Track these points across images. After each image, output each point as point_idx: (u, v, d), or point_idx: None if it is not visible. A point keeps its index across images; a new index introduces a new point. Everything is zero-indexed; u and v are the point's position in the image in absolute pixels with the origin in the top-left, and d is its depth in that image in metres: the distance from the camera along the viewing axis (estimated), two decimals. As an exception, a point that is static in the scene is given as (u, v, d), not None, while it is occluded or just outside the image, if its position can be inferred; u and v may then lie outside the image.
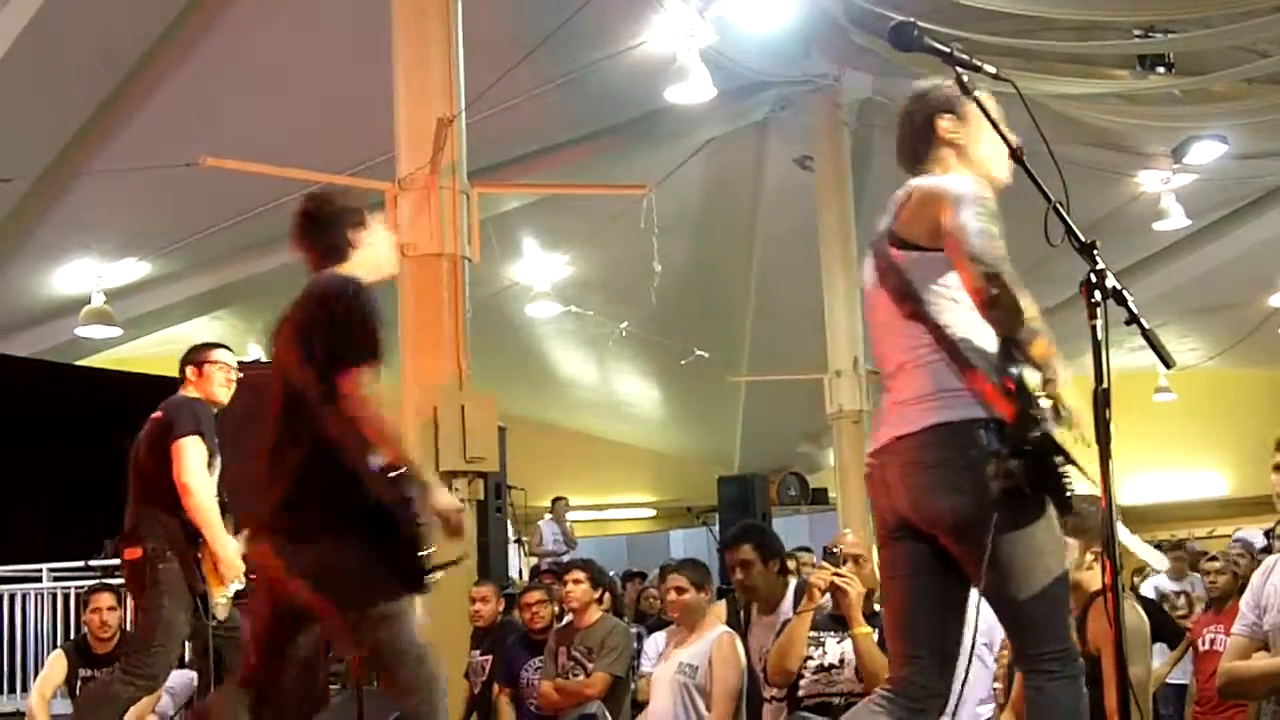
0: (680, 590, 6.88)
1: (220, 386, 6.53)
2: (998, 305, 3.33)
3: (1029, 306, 3.36)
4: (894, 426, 3.65)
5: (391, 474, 4.28)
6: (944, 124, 3.82)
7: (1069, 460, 3.35)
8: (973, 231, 3.38)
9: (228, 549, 6.26)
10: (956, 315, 3.55)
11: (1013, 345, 3.37)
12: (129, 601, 7.70)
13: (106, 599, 7.97)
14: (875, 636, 5.68)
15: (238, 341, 17.82)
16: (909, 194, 3.70)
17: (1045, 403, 3.31)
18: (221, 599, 6.44)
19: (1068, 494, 3.37)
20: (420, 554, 4.31)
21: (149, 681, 6.10)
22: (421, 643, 4.38)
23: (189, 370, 6.49)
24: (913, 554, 3.66)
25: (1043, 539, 3.48)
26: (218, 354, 6.61)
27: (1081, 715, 3.54)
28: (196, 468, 6.13)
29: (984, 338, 3.50)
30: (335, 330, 4.26)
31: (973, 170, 3.78)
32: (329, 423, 4.22)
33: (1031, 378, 3.32)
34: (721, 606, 7.26)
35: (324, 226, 4.74)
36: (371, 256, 4.70)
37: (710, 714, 6.63)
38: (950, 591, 3.67)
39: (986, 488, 3.34)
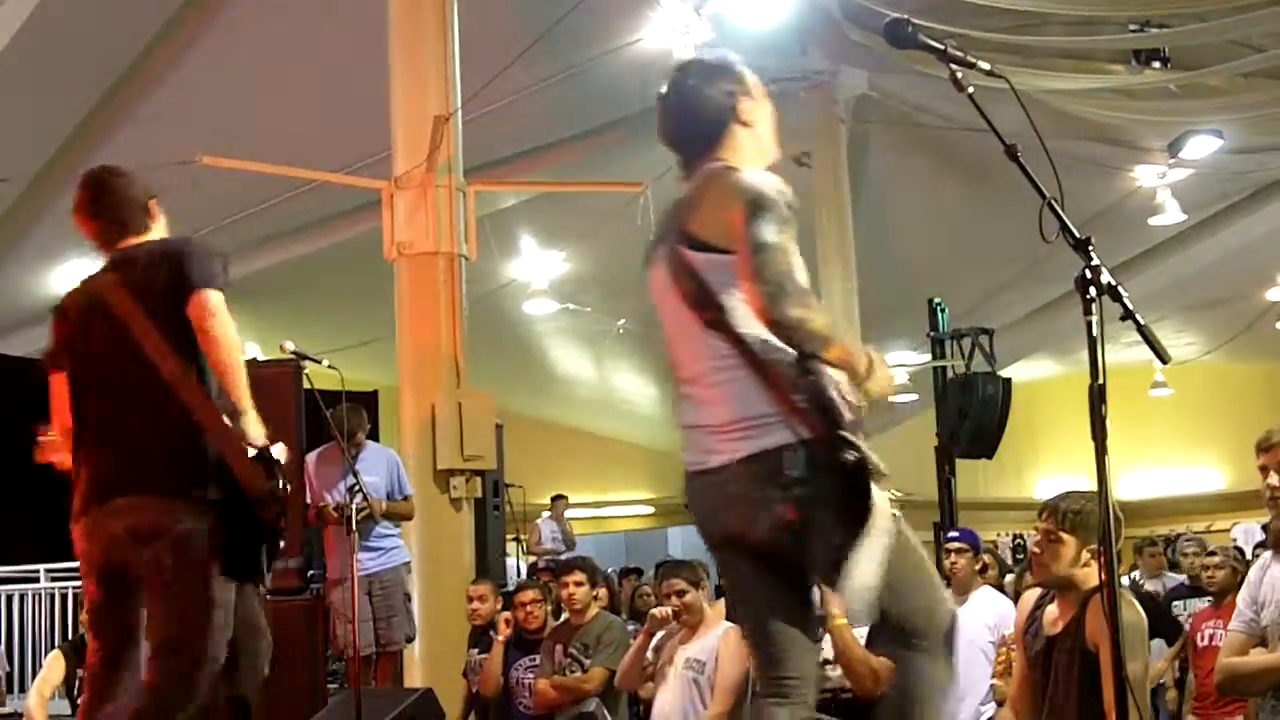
0: (681, 592, 6.91)
1: None
2: (785, 325, 3.25)
3: (818, 313, 3.27)
4: (704, 455, 3.53)
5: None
6: (745, 104, 3.68)
7: (877, 477, 3.32)
8: (762, 245, 3.27)
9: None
10: (759, 324, 3.36)
11: (810, 359, 3.31)
12: None
13: None
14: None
15: (235, 340, 17.84)
16: (702, 187, 3.57)
17: (850, 415, 3.31)
18: None
19: (868, 515, 3.30)
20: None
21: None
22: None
23: None
24: (741, 561, 3.62)
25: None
26: None
27: None
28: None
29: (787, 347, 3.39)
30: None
31: (760, 154, 3.68)
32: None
33: (835, 392, 3.31)
34: (722, 605, 7.27)
35: (118, 201, 4.60)
36: None
37: (711, 705, 6.65)
38: (785, 590, 3.62)
39: (794, 513, 3.30)
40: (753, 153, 3.66)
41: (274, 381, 8.97)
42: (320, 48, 12.36)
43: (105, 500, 4.25)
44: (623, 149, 15.46)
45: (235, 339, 4.25)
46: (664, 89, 3.73)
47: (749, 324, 3.36)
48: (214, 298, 4.24)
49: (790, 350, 3.32)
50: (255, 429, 4.25)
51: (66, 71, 11.94)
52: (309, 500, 8.71)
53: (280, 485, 4.24)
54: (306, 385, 8.60)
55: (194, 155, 10.00)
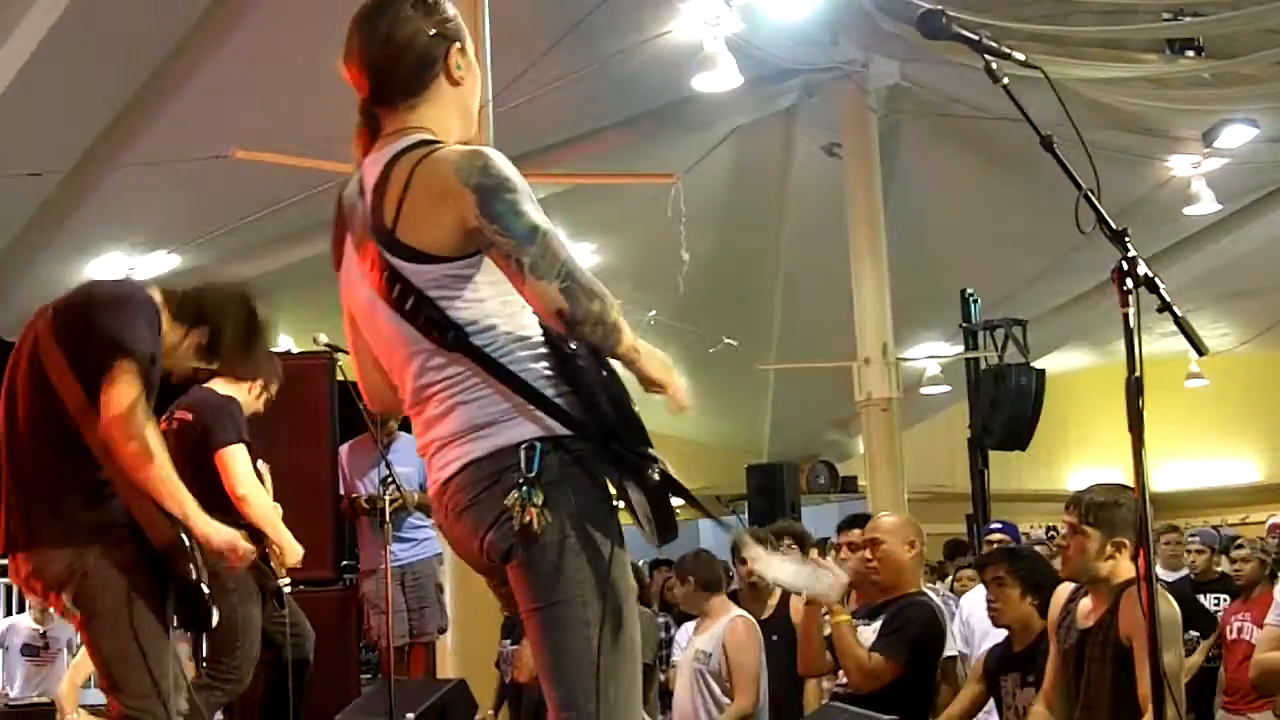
0: (671, 586, 7.02)
1: (263, 406, 6.53)
2: (584, 323, 2.78)
3: (611, 303, 2.82)
4: (439, 473, 3.01)
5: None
6: (458, 57, 3.06)
7: (679, 494, 2.94)
8: (527, 235, 2.79)
9: (288, 540, 6.29)
10: (495, 331, 2.92)
11: (600, 354, 2.92)
12: None
13: None
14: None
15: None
16: (399, 176, 2.91)
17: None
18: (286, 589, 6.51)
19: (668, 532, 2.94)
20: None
21: (236, 685, 6.12)
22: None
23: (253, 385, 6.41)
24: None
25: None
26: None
27: None
28: (246, 474, 6.09)
29: (529, 344, 2.95)
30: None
31: (464, 127, 3.12)
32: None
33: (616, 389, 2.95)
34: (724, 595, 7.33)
35: None
36: None
37: (731, 701, 6.66)
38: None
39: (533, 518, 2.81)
40: (456, 122, 3.10)
41: (307, 373, 9.03)
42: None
43: (11, 552, 4.27)
44: (654, 140, 15.46)
45: (132, 420, 4.03)
46: (363, 8, 3.05)
47: (487, 335, 2.91)
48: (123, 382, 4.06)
49: (536, 352, 2.95)
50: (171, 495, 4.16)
51: (100, 66, 11.99)
52: (341, 491, 8.76)
53: (179, 536, 4.18)
54: (340, 377, 8.64)
55: (228, 149, 10.04)
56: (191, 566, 4.20)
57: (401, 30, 2.97)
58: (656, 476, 2.90)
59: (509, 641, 8.61)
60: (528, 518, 2.79)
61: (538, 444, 2.86)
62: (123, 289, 4.29)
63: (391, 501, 7.93)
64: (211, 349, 4.58)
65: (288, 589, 6.55)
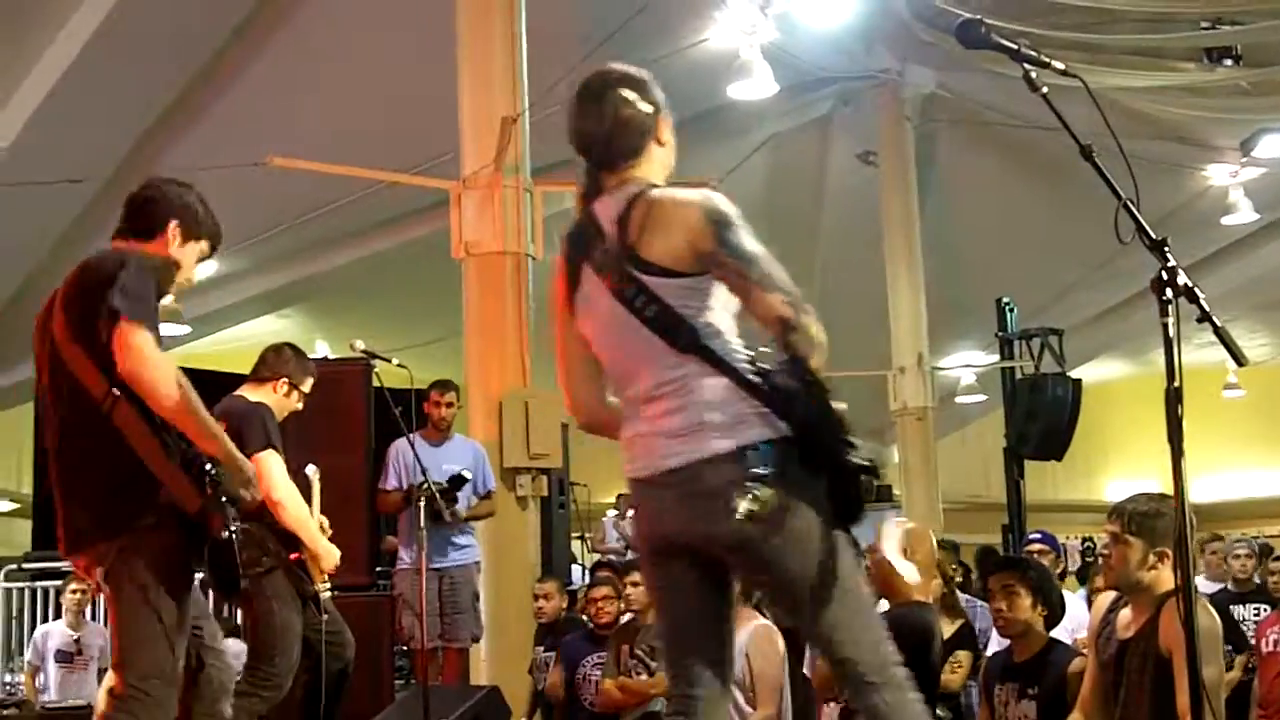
0: None
1: (297, 403, 6.52)
2: (799, 331, 3.33)
3: (815, 320, 3.37)
4: (660, 459, 3.46)
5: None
6: (664, 123, 3.71)
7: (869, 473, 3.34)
8: (762, 258, 3.38)
9: (324, 545, 6.29)
10: (726, 340, 3.45)
11: (802, 365, 3.36)
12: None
13: None
14: None
15: (305, 339, 17.92)
16: (640, 209, 3.50)
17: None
18: (326, 592, 6.50)
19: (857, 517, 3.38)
20: None
21: (275, 691, 6.10)
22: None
23: (277, 384, 6.40)
24: (682, 569, 3.56)
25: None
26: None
27: None
28: (282, 479, 6.08)
29: (743, 353, 3.46)
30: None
31: (665, 170, 3.71)
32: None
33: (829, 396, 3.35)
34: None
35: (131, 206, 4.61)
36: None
37: (755, 710, 6.63)
38: (715, 606, 3.61)
39: (764, 511, 3.27)
40: (660, 169, 3.69)
41: (344, 379, 9.05)
42: (389, 49, 12.43)
43: (69, 552, 4.36)
44: (689, 148, 15.35)
45: (157, 373, 4.07)
46: (585, 91, 3.66)
47: (717, 340, 3.43)
48: (131, 334, 4.08)
49: (768, 361, 3.42)
50: (211, 444, 4.20)
51: (140, 74, 12.08)
52: (384, 486, 8.73)
53: (215, 496, 4.20)
54: (376, 383, 8.66)
55: (265, 156, 10.09)
56: (224, 525, 4.22)
57: (625, 110, 3.62)
58: (860, 462, 3.32)
59: (543, 648, 8.62)
60: (769, 508, 3.25)
61: (768, 443, 3.32)
62: (105, 264, 4.29)
63: (430, 503, 7.92)
64: (191, 234, 4.63)
65: (327, 594, 6.55)
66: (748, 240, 3.39)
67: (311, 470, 6.87)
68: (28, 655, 10.70)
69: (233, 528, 4.24)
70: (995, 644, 6.49)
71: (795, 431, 3.34)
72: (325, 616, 6.32)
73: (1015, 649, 5.74)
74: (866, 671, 3.40)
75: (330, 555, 6.29)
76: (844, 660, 3.42)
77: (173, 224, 4.56)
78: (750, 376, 3.39)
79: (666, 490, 3.45)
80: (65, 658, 10.49)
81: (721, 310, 3.46)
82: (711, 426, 3.37)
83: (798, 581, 3.37)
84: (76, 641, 10.46)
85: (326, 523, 6.96)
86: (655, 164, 3.68)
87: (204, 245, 4.68)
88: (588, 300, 3.61)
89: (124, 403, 4.13)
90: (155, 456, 4.16)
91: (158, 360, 4.07)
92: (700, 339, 3.41)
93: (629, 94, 3.65)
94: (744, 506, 3.24)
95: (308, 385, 6.55)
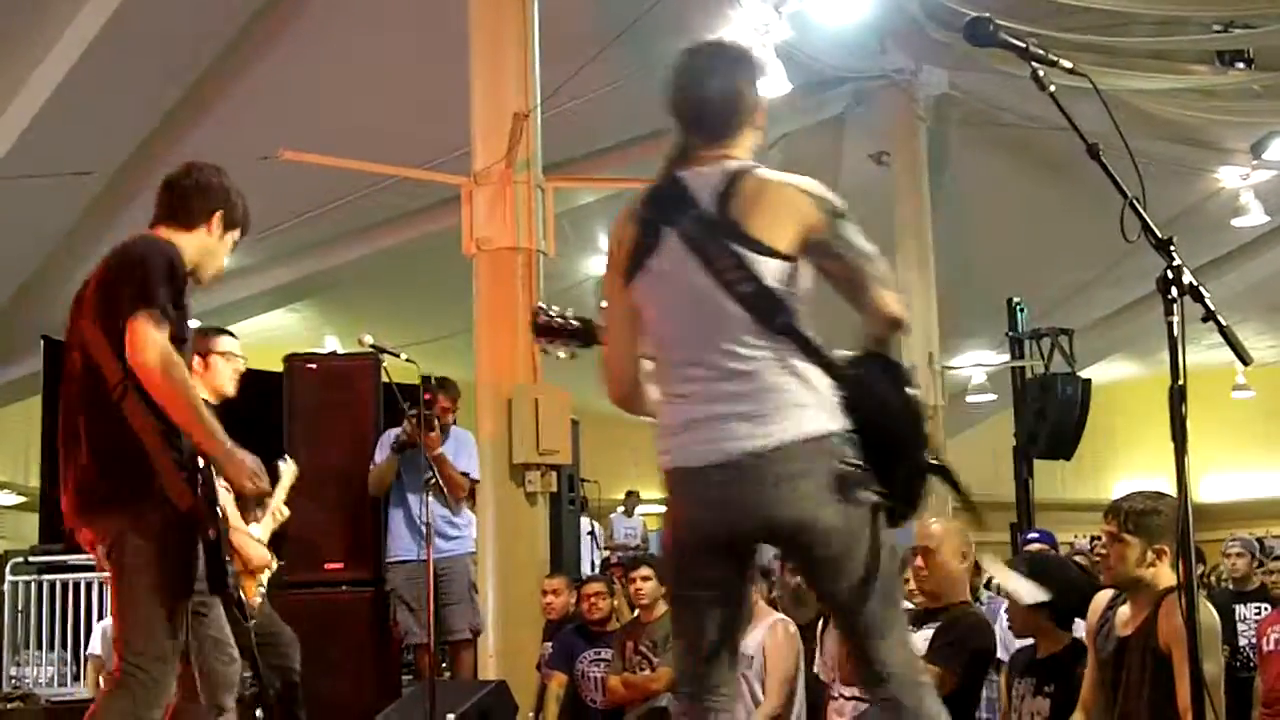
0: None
1: (228, 380, 5.96)
2: (905, 331, 3.50)
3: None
4: (735, 443, 3.40)
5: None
6: (763, 115, 3.67)
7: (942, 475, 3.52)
8: (869, 254, 3.45)
9: (248, 543, 6.23)
10: (808, 325, 3.48)
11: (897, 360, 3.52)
12: None
13: None
14: None
15: (315, 333, 18.02)
16: (749, 187, 3.48)
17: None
18: (257, 597, 6.42)
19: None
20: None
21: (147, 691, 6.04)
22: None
23: (195, 361, 5.44)
24: (726, 565, 3.56)
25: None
26: (224, 343, 6.04)
27: None
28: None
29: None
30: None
31: (752, 153, 3.66)
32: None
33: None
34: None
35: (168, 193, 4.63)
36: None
37: (764, 701, 6.64)
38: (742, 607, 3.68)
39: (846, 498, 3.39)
40: (748, 152, 3.65)
41: (353, 374, 9.10)
42: (400, 44, 12.45)
43: (72, 522, 4.36)
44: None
45: (161, 366, 4.08)
46: (705, 60, 3.65)
47: (808, 326, 3.46)
48: (143, 327, 4.10)
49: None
50: (210, 441, 4.19)
51: (149, 67, 12.09)
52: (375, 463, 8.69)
53: (203, 500, 4.22)
54: (385, 379, 8.69)
55: (275, 150, 10.11)
56: (212, 529, 4.24)
57: (744, 87, 3.59)
58: (935, 462, 3.49)
59: (550, 644, 8.64)
60: (847, 499, 3.35)
61: (839, 435, 3.38)
62: (136, 251, 4.32)
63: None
64: (231, 224, 4.65)
65: (259, 599, 6.42)
66: (861, 235, 3.46)
67: (286, 464, 6.85)
68: (94, 648, 10.33)
69: (221, 534, 4.29)
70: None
71: (867, 425, 3.41)
72: (253, 622, 5.73)
73: (1038, 646, 5.76)
74: (893, 667, 3.45)
75: (258, 557, 6.19)
76: (872, 654, 3.46)
77: (218, 214, 4.59)
78: (839, 366, 3.45)
79: (738, 473, 3.38)
80: None
81: (805, 297, 3.49)
82: (803, 408, 3.38)
83: (853, 573, 3.40)
84: None
85: (286, 512, 6.92)
86: (748, 145, 3.64)
87: (238, 234, 4.69)
88: (662, 265, 3.54)
89: (134, 393, 4.16)
90: (156, 449, 4.18)
91: (165, 355, 4.08)
92: (795, 322, 3.43)
93: (750, 72, 3.65)
94: (862, 494, 3.35)
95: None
